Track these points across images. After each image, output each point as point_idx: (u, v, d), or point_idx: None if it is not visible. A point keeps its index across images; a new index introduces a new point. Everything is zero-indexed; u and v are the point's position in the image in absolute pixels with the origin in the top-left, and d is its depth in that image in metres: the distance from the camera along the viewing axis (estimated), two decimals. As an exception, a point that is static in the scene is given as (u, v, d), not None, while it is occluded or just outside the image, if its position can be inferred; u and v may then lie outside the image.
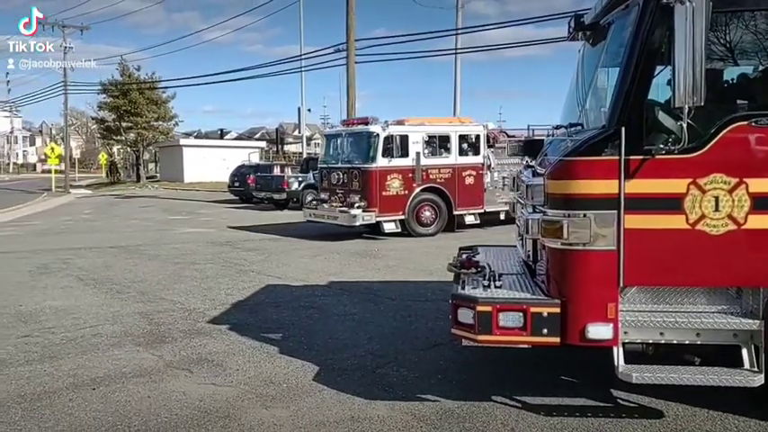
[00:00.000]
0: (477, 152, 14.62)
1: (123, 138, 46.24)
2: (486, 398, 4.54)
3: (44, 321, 7.02)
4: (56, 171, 42.08)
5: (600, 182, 3.86)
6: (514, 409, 4.38)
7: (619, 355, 3.93)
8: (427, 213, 14.03)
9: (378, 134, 13.61)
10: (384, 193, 13.60)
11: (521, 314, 4.00)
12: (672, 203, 3.77)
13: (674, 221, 3.78)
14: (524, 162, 5.55)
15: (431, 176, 14.03)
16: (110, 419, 4.28)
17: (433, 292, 7.98)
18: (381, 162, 13.52)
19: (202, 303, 7.81)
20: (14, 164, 75.95)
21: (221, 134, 65.56)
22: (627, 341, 3.99)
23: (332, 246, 12.77)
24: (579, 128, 4.39)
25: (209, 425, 4.20)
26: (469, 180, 14.45)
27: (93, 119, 50.71)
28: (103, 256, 11.93)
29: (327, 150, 15.48)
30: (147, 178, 47.33)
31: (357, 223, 13.58)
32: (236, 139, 67.46)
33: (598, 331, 3.85)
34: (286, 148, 59.46)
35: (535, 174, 4.64)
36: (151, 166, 56.43)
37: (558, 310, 3.94)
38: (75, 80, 41.05)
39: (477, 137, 14.66)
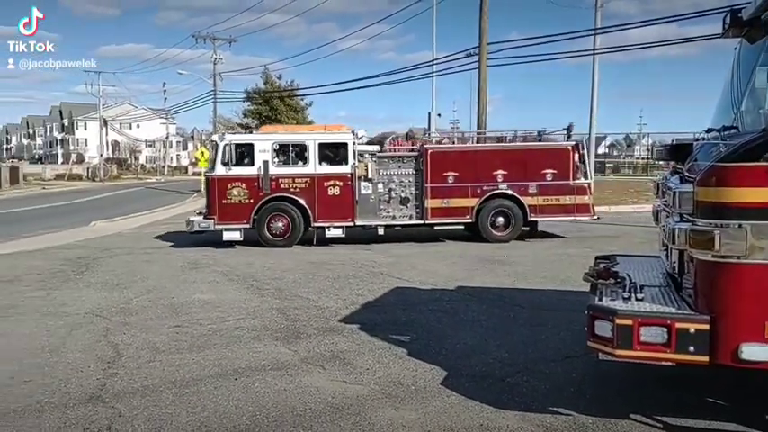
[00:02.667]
0: (344, 161, 13.80)
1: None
2: (623, 416, 4.31)
3: (193, 313, 7.57)
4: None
5: (758, 190, 3.54)
6: (654, 429, 4.12)
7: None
8: (278, 224, 13.59)
9: (217, 143, 13.82)
10: (224, 201, 13.50)
11: (664, 329, 3.75)
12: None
13: None
14: (671, 167, 5.21)
15: (282, 186, 13.61)
16: (250, 408, 4.54)
17: (565, 302, 7.71)
18: (220, 170, 13.54)
19: (335, 302, 8.06)
20: (169, 167, 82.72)
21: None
22: (788, 365, 3.62)
23: (458, 250, 12.73)
24: (734, 131, 4.06)
25: (340, 421, 4.33)
26: (333, 191, 13.70)
27: (238, 125, 54.05)
28: (245, 254, 12.67)
29: None
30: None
31: (193, 229, 13.73)
32: (367, 143, 68.96)
33: (754, 352, 3.53)
34: (416, 152, 59.66)
35: (683, 180, 4.35)
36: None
37: (707, 326, 3.66)
38: (222, 89, 43.95)
39: (344, 145, 13.83)
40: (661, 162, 6.37)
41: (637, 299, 4.12)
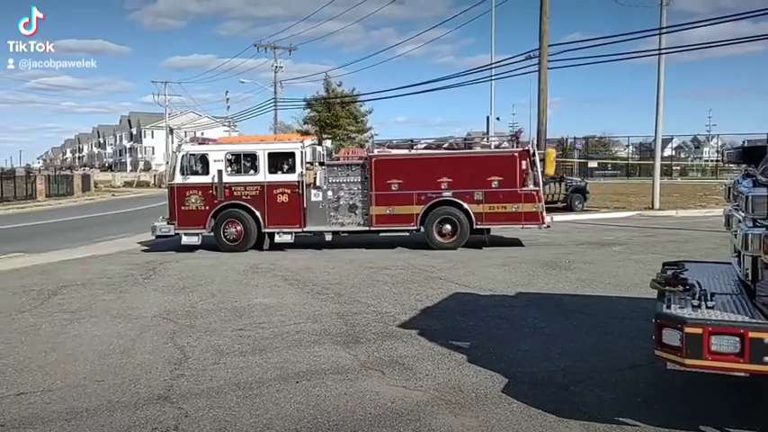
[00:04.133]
0: (292, 170, 14.09)
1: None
2: (693, 427, 4.16)
3: (255, 317, 7.73)
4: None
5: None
6: (728, 443, 3.95)
7: None
8: (232, 229, 14.15)
9: (176, 153, 14.60)
10: (183, 208, 14.22)
11: (737, 339, 3.60)
12: None
13: None
14: (743, 170, 5.00)
15: (235, 194, 14.13)
16: (311, 412, 4.59)
17: (631, 310, 7.49)
18: (178, 179, 14.29)
19: (393, 307, 8.08)
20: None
21: (411, 144, 67.35)
22: None
23: (518, 255, 12.54)
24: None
25: (400, 426, 4.33)
26: (282, 198, 14.05)
27: (298, 131, 55.03)
28: (305, 258, 12.86)
29: None
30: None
31: (156, 234, 14.46)
32: (425, 148, 68.91)
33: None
34: (474, 156, 59.27)
35: (757, 183, 4.16)
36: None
37: (783, 336, 3.49)
38: (283, 97, 44.80)
39: (292, 154, 14.14)
40: (732, 164, 6.11)
41: (707, 307, 3.97)
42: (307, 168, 14.07)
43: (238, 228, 14.17)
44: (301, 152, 14.13)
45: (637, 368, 5.44)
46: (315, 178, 14.07)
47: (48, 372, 5.66)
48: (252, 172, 14.28)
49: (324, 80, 48.27)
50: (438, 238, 13.80)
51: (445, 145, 16.76)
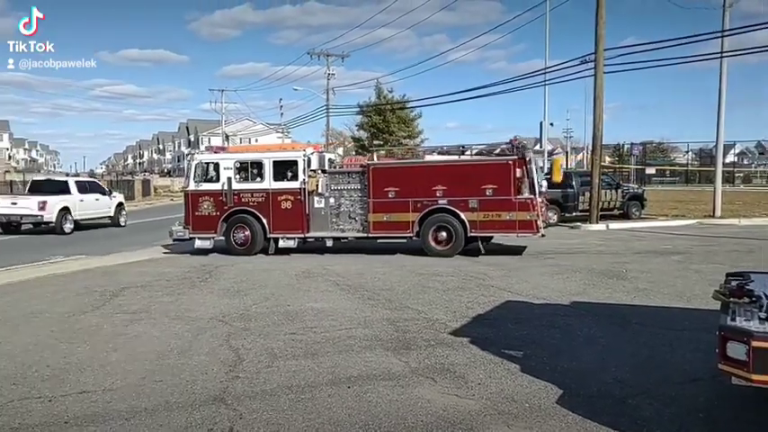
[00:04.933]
0: (295, 177, 14.49)
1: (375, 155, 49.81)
2: (759, 447, 3.98)
3: (307, 321, 7.81)
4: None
5: None
6: (797, 464, 3.77)
7: None
8: (240, 234, 14.72)
9: (190, 162, 15.50)
10: (196, 214, 14.98)
11: (808, 354, 3.43)
12: None
13: None
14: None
15: (243, 200, 14.70)
16: (362, 418, 4.60)
17: (691, 322, 7.24)
18: (192, 186, 15.11)
19: (444, 314, 8.03)
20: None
21: (462, 150, 67.09)
22: None
23: (572, 264, 12.29)
24: None
25: (452, 435, 4.29)
26: (286, 205, 14.50)
27: (351, 137, 55.52)
28: (357, 264, 12.93)
29: None
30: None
31: (172, 238, 15.30)
32: (476, 154, 68.50)
33: None
34: (527, 162, 58.61)
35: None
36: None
37: None
38: (335, 104, 45.26)
39: (295, 162, 14.55)
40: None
41: (776, 320, 3.80)
42: (309, 176, 14.46)
43: (246, 233, 14.71)
44: (303, 160, 14.50)
45: (697, 382, 5.26)
46: (317, 185, 14.49)
47: (109, 371, 5.84)
48: (258, 179, 14.79)
49: (375, 86, 48.66)
50: (434, 245, 13.86)
51: (435, 153, 16.64)
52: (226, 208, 14.74)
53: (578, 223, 21.58)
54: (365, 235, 14.33)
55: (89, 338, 7.13)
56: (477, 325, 7.46)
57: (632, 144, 56.07)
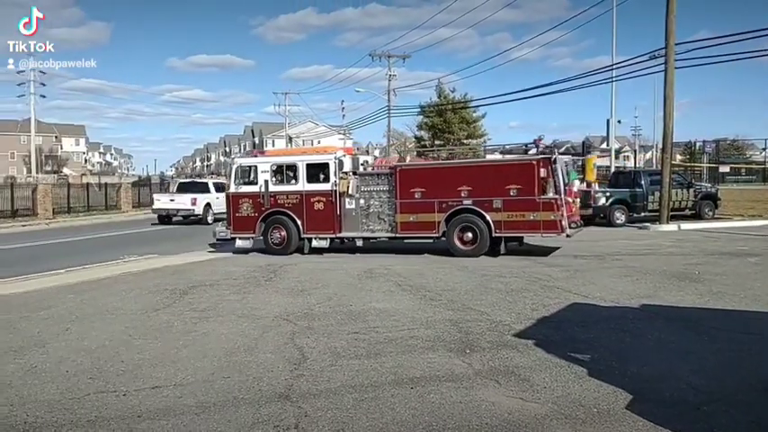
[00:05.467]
0: (327, 180, 14.85)
1: (436, 155, 49.68)
2: None
3: (370, 321, 7.85)
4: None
5: None
6: None
7: None
8: (276, 234, 15.24)
9: (231, 165, 16.35)
10: (237, 215, 15.59)
11: None
12: None
13: None
14: None
15: (278, 201, 15.19)
16: (426, 419, 4.59)
17: (770, 326, 6.90)
18: (233, 188, 15.75)
19: (508, 316, 7.91)
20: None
21: (525, 149, 66.22)
22: None
23: (640, 265, 11.91)
24: None
25: (517, 439, 4.22)
26: (318, 206, 14.91)
27: (414, 137, 55.54)
28: (418, 264, 12.92)
29: None
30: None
31: (216, 238, 16.14)
32: (540, 153, 67.43)
33: None
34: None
35: None
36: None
37: None
38: (396, 104, 45.37)
39: (327, 165, 14.93)
40: None
41: None
42: (341, 178, 14.84)
43: (282, 233, 15.25)
44: (335, 163, 14.90)
45: (779, 390, 5.00)
46: (348, 187, 14.77)
47: (179, 367, 6.03)
48: (293, 182, 15.31)
49: (436, 86, 48.52)
50: (459, 245, 13.95)
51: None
52: (263, 209, 15.30)
53: (647, 224, 20.93)
54: (393, 235, 14.63)
55: (161, 335, 7.38)
56: (542, 327, 7.32)
57: (704, 141, 53.82)
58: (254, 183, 15.49)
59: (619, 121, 35.62)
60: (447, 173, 14.51)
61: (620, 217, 21.88)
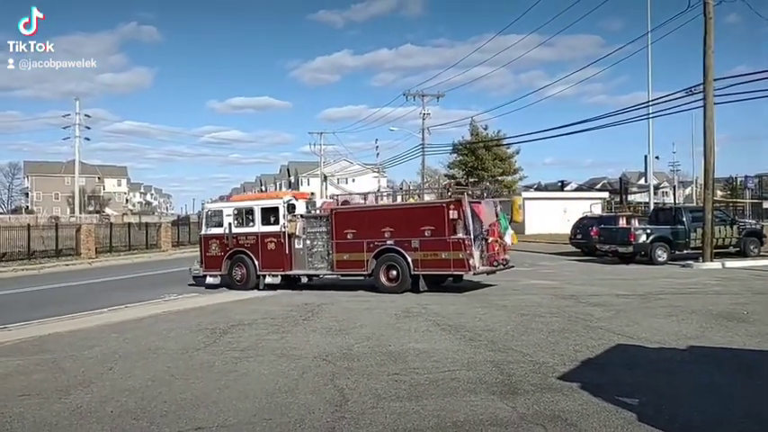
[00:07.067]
0: (276, 222, 16.17)
1: (470, 192, 49.64)
2: None
3: (409, 362, 7.77)
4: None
5: None
6: None
7: None
8: (238, 271, 16.63)
9: (202, 210, 18.58)
10: (207, 254, 17.15)
11: None
12: None
13: None
14: None
15: (240, 242, 16.62)
16: (471, 464, 4.49)
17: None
18: (204, 230, 17.56)
19: (551, 358, 7.76)
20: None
21: (561, 186, 65.86)
22: None
23: (687, 305, 11.60)
24: None
25: (566, 487, 4.10)
26: (271, 246, 16.18)
27: (445, 176, 55.66)
28: (455, 304, 12.80)
29: None
30: (490, 230, 49.66)
31: (192, 275, 17.55)
32: (575, 190, 67.01)
33: None
34: (630, 198, 56.77)
35: None
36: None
37: None
38: (430, 143, 45.58)
39: (276, 209, 16.29)
40: None
41: None
42: (290, 220, 16.06)
43: (243, 270, 16.58)
44: (283, 207, 16.26)
45: (842, 439, 4.77)
46: (296, 228, 15.97)
47: (221, 408, 6.04)
48: (251, 224, 16.68)
49: (470, 124, 48.77)
50: (385, 281, 14.91)
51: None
52: (228, 249, 16.77)
53: (690, 261, 20.44)
54: (332, 272, 15.77)
55: (202, 375, 7.42)
56: (587, 369, 7.15)
57: (746, 177, 52.80)
58: (221, 225, 16.97)
59: (657, 157, 35.24)
60: (374, 215, 15.47)
61: (661, 254, 21.41)
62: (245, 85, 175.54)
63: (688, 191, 71.84)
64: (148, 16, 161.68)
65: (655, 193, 42.90)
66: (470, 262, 14.03)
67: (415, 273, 14.54)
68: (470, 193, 15.65)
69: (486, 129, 48.87)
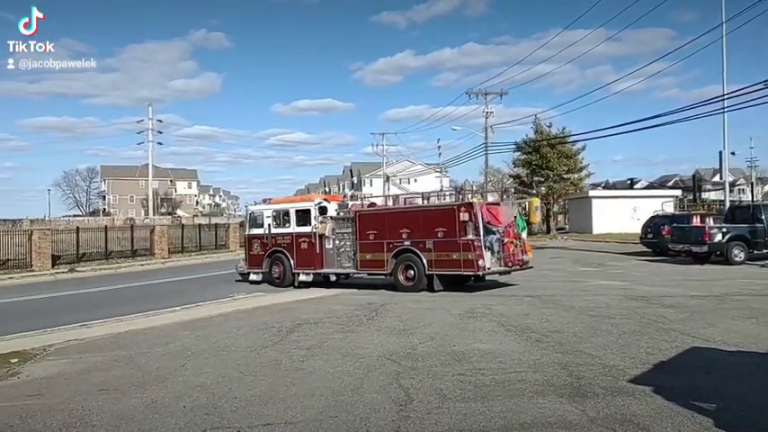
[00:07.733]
0: (309, 223, 17.20)
1: (535, 191, 48.73)
2: None
3: (474, 362, 7.71)
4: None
5: None
6: None
7: None
8: (276, 269, 17.82)
9: (246, 212, 20.32)
10: (251, 252, 18.56)
11: None
12: None
13: None
14: None
15: (278, 242, 17.85)
16: (539, 467, 4.42)
17: None
18: (248, 231, 19.02)
19: (621, 360, 7.53)
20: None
21: (631, 183, 63.86)
22: None
23: (765, 306, 11.05)
24: None
25: (639, 493, 3.97)
26: (304, 246, 17.24)
27: (510, 176, 54.87)
28: (520, 304, 12.61)
29: None
30: (556, 230, 48.68)
31: (238, 272, 19.13)
32: (646, 188, 64.81)
33: None
34: (704, 195, 54.49)
35: None
36: (560, 217, 58.03)
37: None
38: (493, 141, 44.98)
39: (308, 211, 17.37)
40: None
41: None
42: (321, 222, 17.04)
43: (280, 268, 17.77)
44: (314, 209, 17.30)
45: None
46: (326, 229, 16.90)
47: (289, 405, 6.16)
48: (288, 225, 17.80)
49: (533, 122, 47.86)
50: (403, 281, 15.48)
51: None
52: (268, 248, 18.04)
53: (770, 261, 19.44)
54: (356, 271, 16.62)
55: (270, 372, 7.59)
56: (660, 373, 6.91)
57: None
58: (262, 226, 18.28)
59: (733, 153, 33.67)
60: (393, 217, 16.10)
61: (738, 254, 20.45)
62: (309, 87, 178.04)
63: (767, 188, 68.41)
64: (217, 23, 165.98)
65: (730, 191, 41.07)
66: (479, 263, 14.38)
67: (429, 272, 15.04)
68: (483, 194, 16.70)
69: (550, 126, 47.79)
